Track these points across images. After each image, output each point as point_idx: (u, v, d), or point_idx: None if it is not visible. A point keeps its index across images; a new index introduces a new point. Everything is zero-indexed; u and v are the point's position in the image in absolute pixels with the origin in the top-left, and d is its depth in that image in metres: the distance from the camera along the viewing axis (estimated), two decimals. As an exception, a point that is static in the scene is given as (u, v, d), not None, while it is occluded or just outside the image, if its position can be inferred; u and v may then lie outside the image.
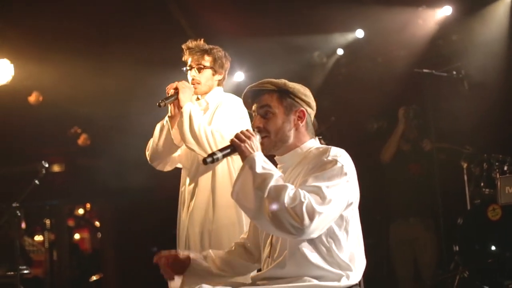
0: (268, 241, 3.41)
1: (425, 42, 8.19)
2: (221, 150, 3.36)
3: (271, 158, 3.44)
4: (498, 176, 6.50)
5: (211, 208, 4.80)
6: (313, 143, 3.48)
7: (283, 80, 3.48)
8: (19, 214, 7.26)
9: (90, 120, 9.73)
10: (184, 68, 4.92)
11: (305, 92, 3.50)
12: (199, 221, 4.80)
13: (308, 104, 3.49)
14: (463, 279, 6.55)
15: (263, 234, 3.50)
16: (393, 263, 7.81)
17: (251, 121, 3.59)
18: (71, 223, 14.72)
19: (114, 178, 10.03)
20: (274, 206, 3.05)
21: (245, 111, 4.75)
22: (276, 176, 3.15)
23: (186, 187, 4.92)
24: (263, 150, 3.37)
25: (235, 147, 3.30)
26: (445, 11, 8.01)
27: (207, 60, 4.85)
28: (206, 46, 4.89)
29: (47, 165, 7.23)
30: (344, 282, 3.21)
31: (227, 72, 5.03)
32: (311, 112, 3.52)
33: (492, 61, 7.55)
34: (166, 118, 4.79)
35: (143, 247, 10.77)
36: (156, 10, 8.87)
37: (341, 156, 3.26)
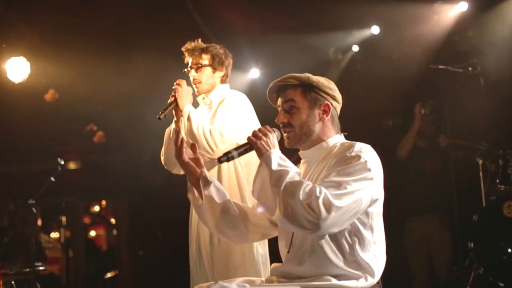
0: (289, 236, 3.37)
1: (440, 38, 8.15)
2: (236, 148, 3.37)
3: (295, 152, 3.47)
4: (514, 172, 6.52)
5: None
6: (338, 138, 3.45)
7: (306, 74, 3.45)
8: (34, 211, 7.30)
9: (106, 118, 9.75)
10: (185, 70, 4.94)
11: (330, 86, 3.47)
12: None
13: (333, 98, 3.46)
14: (478, 276, 6.53)
15: (283, 231, 3.48)
16: (408, 260, 7.80)
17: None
18: (86, 220, 14.76)
19: (130, 175, 10.08)
20: (290, 202, 3.02)
21: (249, 106, 4.84)
22: (292, 172, 3.13)
23: None
24: (287, 144, 3.39)
25: (251, 144, 3.29)
26: (461, 7, 7.97)
27: (205, 59, 4.87)
28: (203, 45, 4.90)
29: (63, 162, 7.28)
30: (362, 283, 3.20)
31: (229, 69, 5.01)
32: (337, 106, 3.48)
33: (508, 58, 7.51)
34: (173, 123, 4.84)
35: (158, 244, 10.81)
36: (174, 9, 8.87)
37: (365, 151, 3.22)
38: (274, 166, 3.16)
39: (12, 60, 6.94)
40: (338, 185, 3.06)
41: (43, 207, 12.04)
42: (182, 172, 4.97)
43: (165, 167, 5.00)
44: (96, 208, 15.07)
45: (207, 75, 4.88)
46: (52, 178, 7.32)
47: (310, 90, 3.42)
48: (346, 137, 3.49)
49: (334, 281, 3.15)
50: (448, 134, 7.31)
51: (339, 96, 3.50)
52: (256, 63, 9.23)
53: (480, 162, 7.08)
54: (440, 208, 7.51)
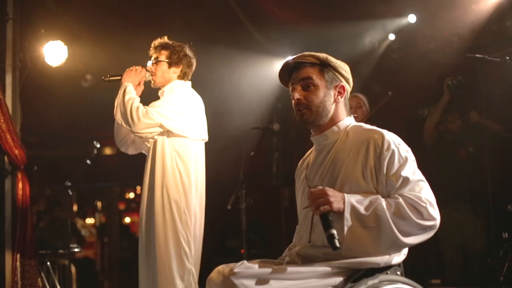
0: (308, 228, 3.42)
1: (478, 27, 8.07)
2: (326, 228, 3.14)
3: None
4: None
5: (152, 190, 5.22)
6: (349, 121, 3.50)
7: (325, 54, 3.49)
8: (70, 193, 7.39)
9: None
10: (149, 62, 5.40)
11: (345, 68, 3.51)
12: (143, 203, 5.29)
13: (347, 81, 3.51)
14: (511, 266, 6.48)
15: (304, 217, 3.51)
16: (442, 250, 7.75)
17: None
18: (122, 206, 14.86)
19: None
20: (406, 229, 3.14)
21: (191, 102, 5.30)
22: (380, 201, 3.18)
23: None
24: (301, 122, 3.45)
25: (327, 216, 3.16)
26: (500, -4, 7.91)
27: (163, 54, 5.32)
28: (165, 42, 5.36)
29: (98, 146, 7.36)
30: (389, 260, 3.25)
31: (189, 69, 5.43)
32: (348, 89, 3.53)
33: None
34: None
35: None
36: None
37: (394, 142, 3.30)
38: (364, 210, 3.17)
39: (50, 44, 7.00)
40: (416, 183, 3.21)
41: (79, 192, 12.19)
42: (130, 151, 5.51)
43: (119, 148, 5.48)
44: (132, 195, 15.16)
45: (162, 70, 5.33)
46: (88, 161, 7.41)
47: (328, 70, 3.45)
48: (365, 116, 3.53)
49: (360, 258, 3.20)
50: (481, 113, 7.27)
51: (351, 80, 3.55)
52: (291, 52, 9.21)
53: (516, 152, 7.02)
54: (475, 197, 7.45)
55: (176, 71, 5.33)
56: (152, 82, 5.36)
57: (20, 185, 6.67)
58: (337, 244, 3.05)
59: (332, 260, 3.21)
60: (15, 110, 6.87)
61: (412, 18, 8.62)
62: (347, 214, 3.14)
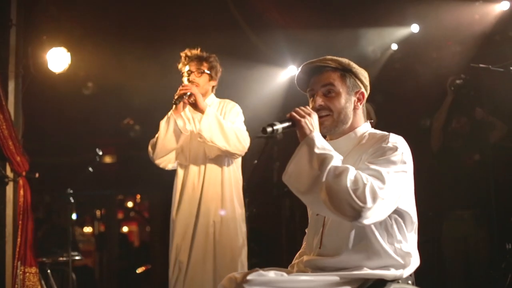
0: (319, 232, 3.36)
1: (481, 37, 8.07)
2: (280, 122, 3.23)
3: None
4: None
5: (220, 201, 5.42)
6: (366, 127, 3.45)
7: (346, 59, 3.44)
8: (72, 200, 7.36)
9: (144, 112, 9.77)
10: (183, 73, 5.46)
11: (365, 75, 3.48)
12: (209, 212, 5.37)
13: (366, 88, 3.47)
14: (515, 278, 6.46)
15: (314, 223, 3.46)
16: (445, 260, 7.72)
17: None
18: (121, 214, 14.85)
19: (165, 171, 10.08)
20: (335, 187, 2.97)
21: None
22: (336, 157, 3.09)
23: (189, 181, 5.45)
24: (322, 130, 3.30)
25: (295, 121, 3.21)
26: (503, 6, 7.89)
27: (205, 66, 5.42)
28: (204, 54, 5.47)
29: (101, 153, 7.33)
30: (399, 273, 3.22)
31: (217, 81, 5.60)
32: (366, 96, 3.48)
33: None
34: (171, 111, 5.29)
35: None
36: (213, 3, 8.90)
37: (401, 143, 3.22)
38: (319, 149, 3.10)
39: (53, 50, 6.99)
40: (380, 176, 3.02)
41: (78, 200, 12.14)
42: (168, 167, 5.59)
43: (154, 159, 5.47)
44: (131, 203, 15.15)
45: (204, 81, 5.45)
46: (90, 169, 7.39)
47: (350, 75, 3.41)
48: (372, 126, 3.48)
49: (371, 270, 3.16)
50: (486, 110, 7.29)
51: (369, 87, 3.51)
52: (293, 60, 9.21)
53: (520, 161, 7.02)
54: (478, 207, 7.42)
55: (213, 83, 5.50)
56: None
57: (21, 192, 6.64)
58: (268, 129, 3.16)
59: (342, 270, 3.19)
60: (17, 117, 6.85)
61: (415, 28, 8.61)
62: (299, 147, 3.17)
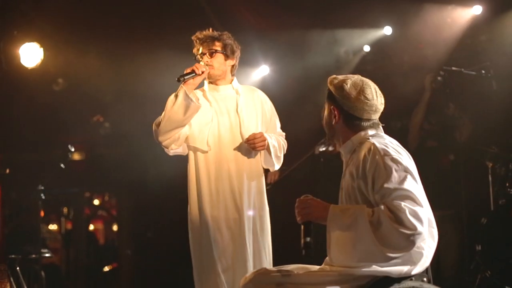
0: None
1: (453, 41, 8.15)
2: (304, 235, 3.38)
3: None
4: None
5: (260, 194, 5.11)
6: (360, 136, 3.60)
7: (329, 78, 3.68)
8: (43, 197, 7.30)
9: (114, 109, 9.73)
10: (196, 57, 5.08)
11: (343, 93, 3.58)
12: (251, 205, 5.04)
13: (342, 104, 3.62)
14: (484, 279, 6.53)
15: None
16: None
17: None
18: (88, 212, 14.73)
19: (134, 169, 10.04)
20: (382, 229, 3.19)
21: None
22: (361, 212, 3.28)
23: (219, 169, 5.04)
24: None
25: (308, 225, 3.38)
26: (475, 10, 7.98)
27: (217, 46, 5.04)
28: (216, 33, 5.10)
29: (73, 149, 7.28)
30: (407, 270, 3.36)
31: (238, 60, 5.20)
32: (351, 106, 3.57)
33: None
34: (183, 86, 4.86)
35: (159, 239, 10.78)
36: (185, 3, 8.88)
37: (388, 150, 3.40)
38: (345, 219, 3.30)
39: (26, 45, 6.94)
40: (401, 193, 3.26)
41: (45, 197, 12.03)
42: (172, 148, 5.05)
43: (158, 136, 4.96)
44: (99, 201, 15.03)
45: (219, 62, 5.05)
46: (62, 165, 7.33)
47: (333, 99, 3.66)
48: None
49: (379, 268, 3.30)
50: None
51: (353, 96, 3.57)
52: (265, 60, 9.22)
53: (490, 165, 7.07)
54: (450, 208, 7.47)
55: (231, 62, 5.11)
56: (209, 75, 5.06)
57: (-9, 188, 6.58)
58: (308, 253, 3.29)
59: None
60: (-13, 112, 6.78)
61: (387, 30, 8.67)
62: (329, 223, 3.31)
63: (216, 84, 5.15)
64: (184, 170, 5.21)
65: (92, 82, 9.00)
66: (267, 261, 4.99)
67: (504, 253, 6.46)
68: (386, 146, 3.40)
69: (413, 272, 3.34)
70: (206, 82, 5.17)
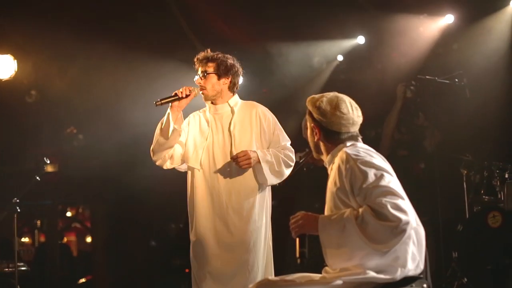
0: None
1: (425, 50, 8.22)
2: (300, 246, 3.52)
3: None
4: (498, 183, 6.61)
5: (255, 208, 5.14)
6: (339, 149, 3.71)
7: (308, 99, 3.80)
8: (19, 210, 7.24)
9: (87, 121, 9.68)
10: (196, 77, 5.18)
11: (320, 111, 3.71)
12: (246, 220, 5.11)
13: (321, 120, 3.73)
14: (461, 285, 6.58)
15: None
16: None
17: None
18: (62, 224, 14.62)
19: (108, 181, 9.99)
20: (369, 230, 3.30)
21: None
22: (344, 215, 3.40)
23: (211, 186, 5.15)
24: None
25: (302, 237, 3.52)
26: (447, 20, 8.05)
27: (210, 66, 5.12)
28: (210, 54, 5.18)
29: (49, 162, 7.22)
30: (398, 275, 3.39)
31: (237, 77, 5.27)
32: (330, 122, 3.69)
33: (493, 71, 7.60)
34: (168, 110, 5.03)
35: (134, 251, 10.73)
36: (162, 16, 8.88)
37: (351, 158, 3.52)
38: (334, 225, 3.42)
39: (-1, 57, 6.91)
40: (380, 190, 3.37)
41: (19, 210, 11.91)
42: (166, 166, 5.23)
43: (152, 156, 5.18)
44: (71, 213, 14.93)
45: (212, 82, 5.13)
46: (38, 178, 7.26)
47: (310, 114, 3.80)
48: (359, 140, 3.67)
49: (373, 274, 3.36)
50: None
51: (329, 112, 3.69)
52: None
53: (465, 173, 7.13)
54: (425, 215, 7.50)
55: (226, 81, 5.16)
56: (203, 96, 5.17)
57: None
58: (303, 262, 3.43)
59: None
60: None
61: (361, 40, 8.72)
62: (320, 233, 3.43)
63: (214, 104, 5.22)
64: (158, 181, 5.31)
65: (65, 94, 8.95)
66: (264, 274, 5.08)
67: (480, 260, 6.51)
68: (358, 152, 3.53)
69: (410, 267, 3.40)
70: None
